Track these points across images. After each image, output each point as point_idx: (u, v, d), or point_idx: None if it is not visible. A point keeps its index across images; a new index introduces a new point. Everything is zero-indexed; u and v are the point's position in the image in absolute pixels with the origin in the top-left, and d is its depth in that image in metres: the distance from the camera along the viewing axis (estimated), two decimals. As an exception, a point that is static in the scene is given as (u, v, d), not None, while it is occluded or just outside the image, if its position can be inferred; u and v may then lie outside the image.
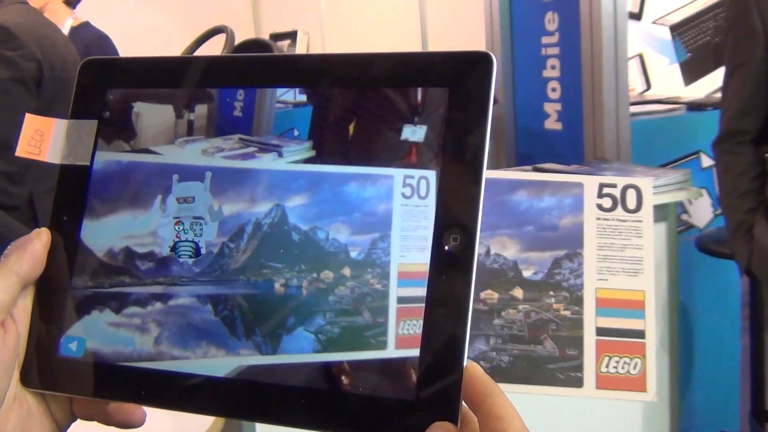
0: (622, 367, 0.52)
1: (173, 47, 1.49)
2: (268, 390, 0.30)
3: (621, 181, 0.57)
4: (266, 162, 0.34)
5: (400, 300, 0.29)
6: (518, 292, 0.56)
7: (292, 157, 0.33)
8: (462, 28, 2.27)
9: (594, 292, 0.57)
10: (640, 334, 0.55)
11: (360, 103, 0.32)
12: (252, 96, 0.36)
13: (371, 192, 0.31)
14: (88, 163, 0.36)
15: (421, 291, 0.28)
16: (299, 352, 0.30)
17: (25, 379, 0.34)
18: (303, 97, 0.35)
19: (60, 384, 0.34)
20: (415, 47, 2.42)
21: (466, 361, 0.28)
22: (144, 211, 0.35)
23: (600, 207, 0.59)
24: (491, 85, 0.30)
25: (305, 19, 3.03)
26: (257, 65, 0.35)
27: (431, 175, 0.29)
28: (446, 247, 0.29)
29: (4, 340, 0.33)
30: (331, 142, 0.33)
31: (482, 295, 0.58)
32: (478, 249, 0.29)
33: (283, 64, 0.34)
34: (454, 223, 0.29)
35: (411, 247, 0.30)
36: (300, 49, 2.96)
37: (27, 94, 1.32)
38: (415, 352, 0.28)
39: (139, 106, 0.37)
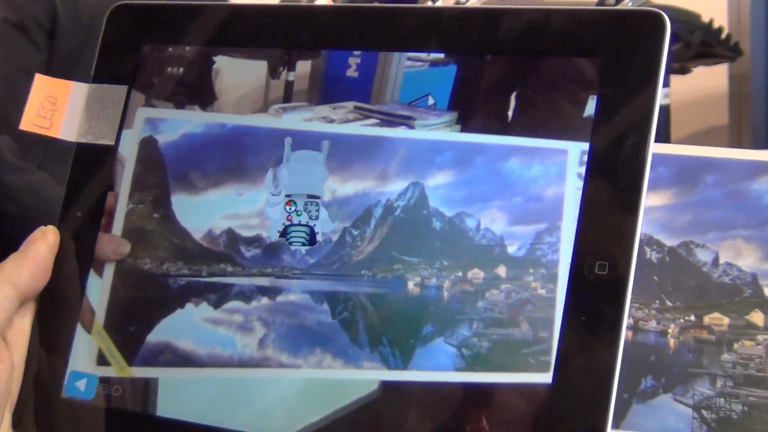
0: None
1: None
2: None
3: None
4: (400, 130, 0.37)
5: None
6: (758, 318, 0.56)
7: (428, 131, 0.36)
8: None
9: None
10: None
11: (529, 66, 0.35)
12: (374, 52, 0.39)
13: (538, 171, 0.33)
14: (112, 143, 0.40)
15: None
16: (437, 368, 0.33)
17: (19, 425, 0.37)
18: (441, 54, 0.37)
19: None
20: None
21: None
22: (250, 186, 0.40)
23: None
24: (661, 59, 0.31)
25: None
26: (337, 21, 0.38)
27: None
28: (589, 276, 0.30)
29: None
30: (484, 116, 0.36)
31: (706, 319, 0.58)
32: (632, 281, 0.30)
33: (406, 19, 0.37)
34: (601, 244, 0.31)
35: None
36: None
37: (29, 45, 1.28)
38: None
39: (221, 62, 0.41)
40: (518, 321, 0.32)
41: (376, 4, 0.40)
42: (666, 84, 1.72)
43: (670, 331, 0.55)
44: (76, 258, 0.39)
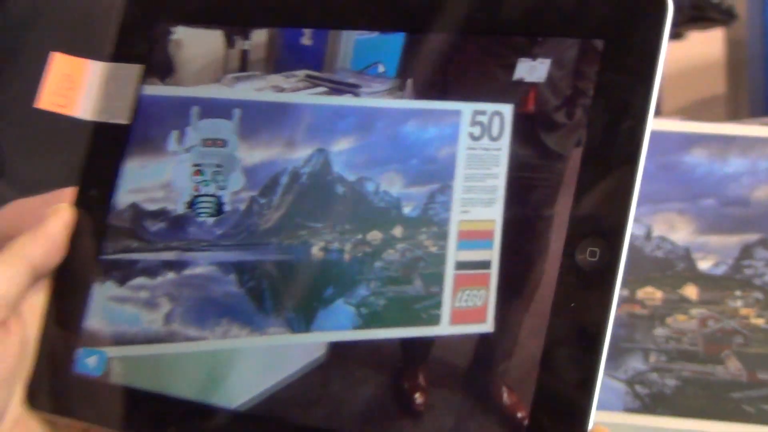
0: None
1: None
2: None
3: None
4: (307, 96, 0.45)
5: (460, 265, 0.41)
6: (691, 291, 0.66)
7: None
8: None
9: (797, 294, 0.65)
10: None
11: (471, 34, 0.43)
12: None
13: (433, 132, 0.42)
14: (128, 122, 0.50)
15: (487, 254, 0.39)
16: (336, 328, 0.42)
17: (32, 400, 0.46)
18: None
19: (73, 409, 0.47)
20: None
21: (593, 424, 0.37)
22: (155, 157, 0.48)
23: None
24: (661, 43, 0.38)
25: None
26: None
27: (506, 109, 0.40)
28: (578, 263, 0.38)
29: (3, 344, 0.43)
30: (423, 82, 0.44)
31: (639, 293, 0.68)
32: (623, 269, 0.37)
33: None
34: (593, 229, 0.38)
35: (476, 200, 0.41)
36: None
37: None
38: (482, 328, 0.39)
39: (180, 33, 0.50)
40: (412, 278, 0.41)
41: None
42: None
43: (599, 305, 0.65)
44: (91, 235, 0.48)
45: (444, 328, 0.40)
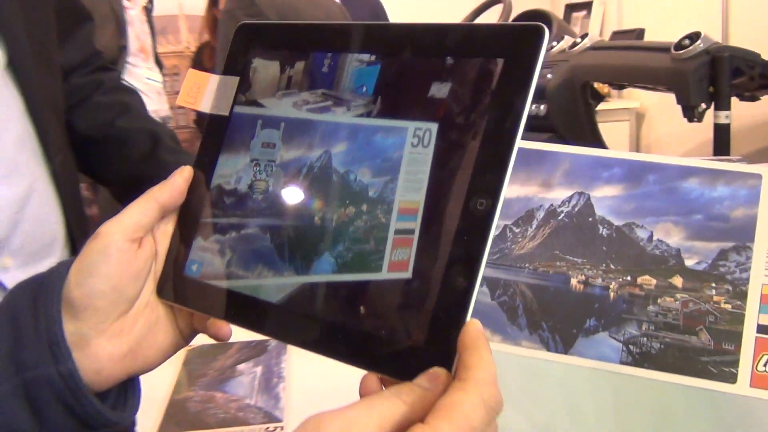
0: (782, 368, 0.76)
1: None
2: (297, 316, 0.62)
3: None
4: (328, 114, 0.65)
5: (396, 231, 0.59)
6: (678, 281, 0.83)
7: (357, 111, 0.64)
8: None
9: (760, 288, 0.81)
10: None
11: (407, 63, 0.62)
12: (338, 55, 0.68)
13: (390, 142, 0.61)
14: (227, 114, 0.73)
15: (413, 224, 0.57)
16: (323, 272, 0.62)
17: (159, 291, 0.68)
18: (373, 57, 0.65)
19: (183, 298, 0.67)
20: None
21: (469, 317, 0.51)
22: (233, 155, 0.70)
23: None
24: (538, 60, 0.55)
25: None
26: (341, 32, 0.68)
27: (434, 127, 0.58)
28: (472, 210, 0.54)
29: (136, 254, 0.64)
30: (384, 99, 0.64)
31: (639, 280, 0.86)
32: (498, 215, 0.52)
33: (351, 32, 0.67)
34: (483, 188, 0.55)
35: (410, 188, 0.59)
36: (594, 20, 4.72)
37: None
38: (405, 275, 0.57)
39: (257, 62, 0.73)
40: (369, 239, 0.60)
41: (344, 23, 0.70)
42: (727, 107, 2.35)
43: (611, 286, 0.84)
44: (201, 187, 0.70)
45: (384, 274, 0.58)
